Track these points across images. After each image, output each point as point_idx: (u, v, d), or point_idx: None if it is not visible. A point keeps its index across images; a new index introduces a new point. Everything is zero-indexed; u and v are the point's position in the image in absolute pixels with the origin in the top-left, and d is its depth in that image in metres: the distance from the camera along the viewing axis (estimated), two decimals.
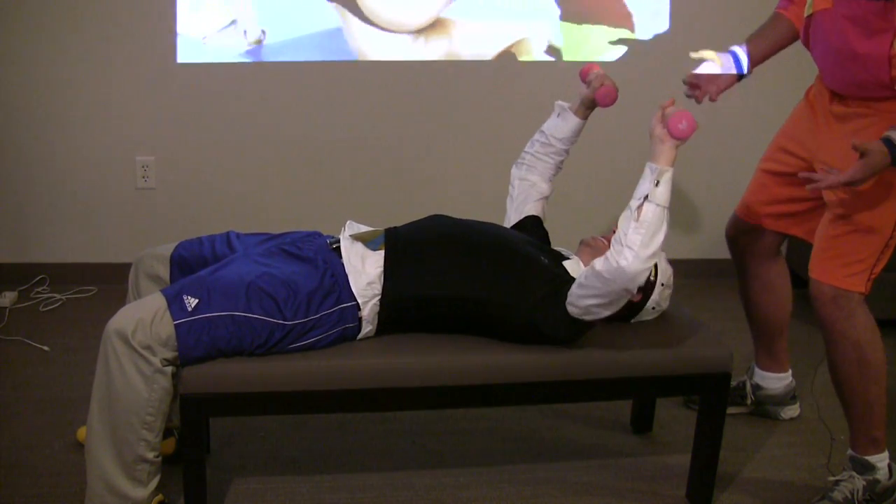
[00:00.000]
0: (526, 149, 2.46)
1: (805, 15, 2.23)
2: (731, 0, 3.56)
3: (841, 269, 2.16)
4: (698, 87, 2.39)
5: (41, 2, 3.31)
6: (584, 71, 2.42)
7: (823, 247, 2.20)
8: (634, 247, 1.93)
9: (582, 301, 2.04)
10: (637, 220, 1.95)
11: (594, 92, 2.33)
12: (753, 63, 2.37)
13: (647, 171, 1.99)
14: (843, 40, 2.11)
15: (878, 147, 1.96)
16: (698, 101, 2.41)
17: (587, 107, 2.38)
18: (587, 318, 2.06)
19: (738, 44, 2.38)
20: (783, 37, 2.37)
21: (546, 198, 2.44)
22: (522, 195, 2.42)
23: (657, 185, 1.95)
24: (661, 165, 1.97)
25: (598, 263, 1.99)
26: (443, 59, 3.53)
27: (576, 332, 2.11)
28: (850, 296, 2.16)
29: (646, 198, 1.96)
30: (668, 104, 2.02)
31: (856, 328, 2.16)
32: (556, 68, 3.58)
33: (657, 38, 3.61)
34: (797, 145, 2.38)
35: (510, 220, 2.43)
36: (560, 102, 2.41)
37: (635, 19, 3.59)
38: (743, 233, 2.55)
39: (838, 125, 2.22)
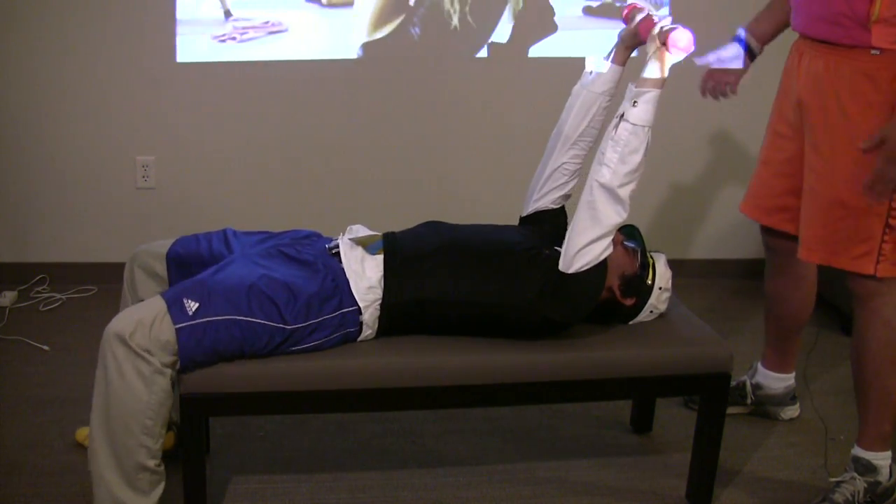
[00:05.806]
0: (588, 123, 2.25)
1: None
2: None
3: (846, 252, 2.14)
4: (713, 84, 2.43)
5: (41, 1, 3.31)
6: (627, 11, 2.19)
7: (820, 234, 2.19)
8: (612, 164, 1.98)
9: (574, 241, 2.02)
10: (613, 138, 1.98)
11: (636, 26, 2.12)
12: (762, 41, 2.41)
13: (626, 94, 2.01)
14: None
15: (889, 129, 1.96)
16: (722, 95, 2.44)
17: (628, 46, 2.19)
18: (582, 264, 2.03)
19: (740, 28, 2.42)
20: (784, 9, 2.36)
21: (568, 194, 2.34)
22: (553, 180, 2.31)
23: (634, 104, 1.98)
24: (641, 88, 1.98)
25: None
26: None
27: (579, 306, 2.11)
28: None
29: (621, 117, 1.98)
30: (665, 22, 1.99)
31: (889, 306, 2.14)
32: (560, 66, 3.56)
33: None
34: (784, 124, 2.35)
35: (532, 196, 2.34)
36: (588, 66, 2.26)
37: None
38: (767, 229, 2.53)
39: (807, 76, 2.22)
